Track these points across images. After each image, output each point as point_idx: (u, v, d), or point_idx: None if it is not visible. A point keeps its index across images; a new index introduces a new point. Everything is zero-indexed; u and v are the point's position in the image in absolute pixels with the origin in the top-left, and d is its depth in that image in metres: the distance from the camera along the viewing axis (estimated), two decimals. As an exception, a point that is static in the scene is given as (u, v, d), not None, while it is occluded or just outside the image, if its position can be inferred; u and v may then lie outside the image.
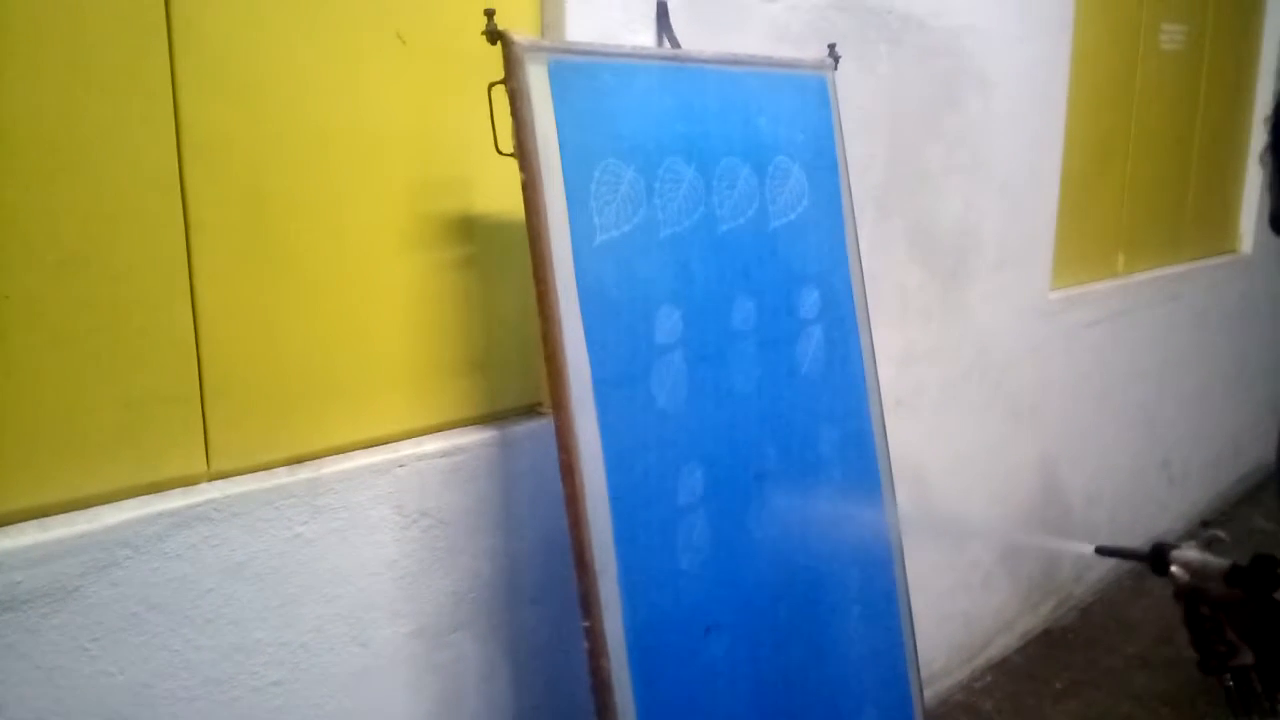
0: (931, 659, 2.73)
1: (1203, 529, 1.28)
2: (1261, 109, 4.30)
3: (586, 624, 1.44)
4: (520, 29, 1.46)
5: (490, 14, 1.40)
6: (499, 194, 1.63)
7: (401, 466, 1.53)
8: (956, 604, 2.87)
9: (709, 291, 1.64)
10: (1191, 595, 1.23)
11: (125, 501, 1.30)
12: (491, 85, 1.44)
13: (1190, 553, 1.25)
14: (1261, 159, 1.26)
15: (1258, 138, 4.30)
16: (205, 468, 1.38)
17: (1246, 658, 1.20)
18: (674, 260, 1.59)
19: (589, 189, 1.47)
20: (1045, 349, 3.09)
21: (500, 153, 1.46)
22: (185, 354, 1.35)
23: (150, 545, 1.28)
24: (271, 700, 1.42)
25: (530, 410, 1.76)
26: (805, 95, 1.86)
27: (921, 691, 2.07)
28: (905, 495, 2.11)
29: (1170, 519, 3.99)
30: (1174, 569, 1.24)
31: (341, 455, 1.51)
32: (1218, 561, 1.22)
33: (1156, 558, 1.27)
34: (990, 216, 2.76)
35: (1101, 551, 1.40)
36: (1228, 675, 1.21)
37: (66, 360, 1.25)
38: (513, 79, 1.40)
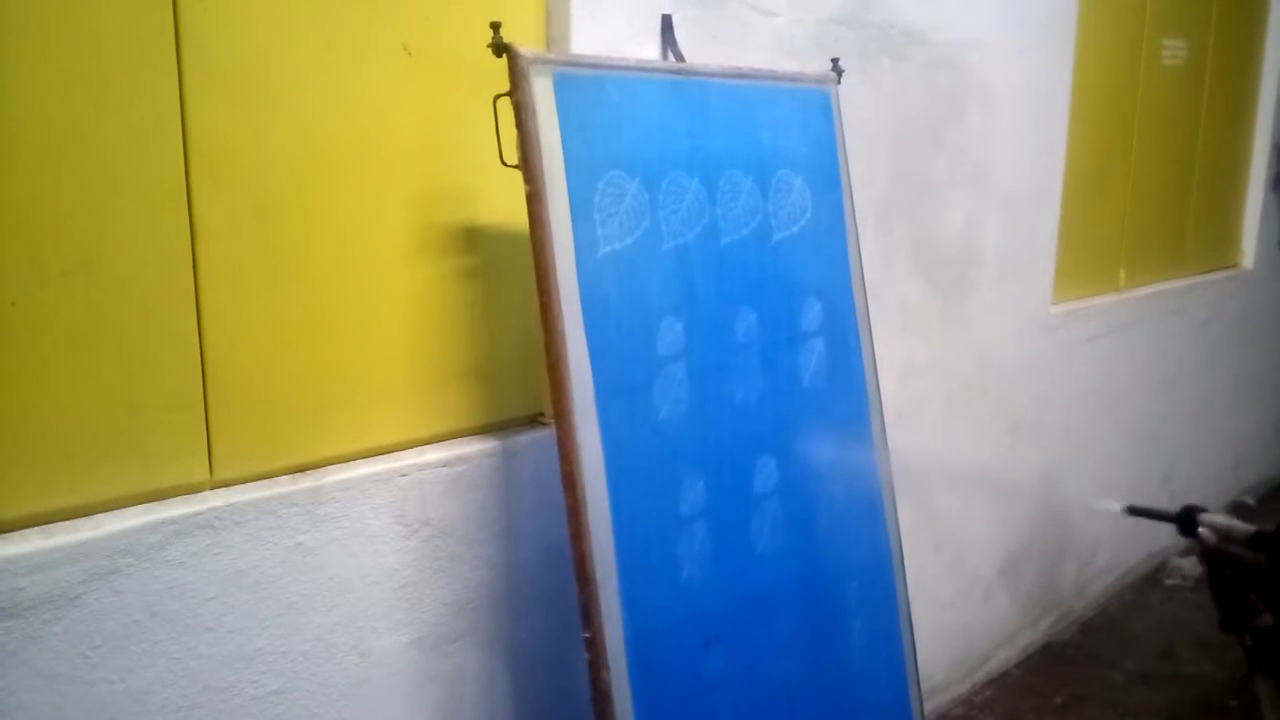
0: (931, 672, 2.72)
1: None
2: (1264, 123, 4.31)
3: (587, 635, 1.44)
4: (526, 42, 1.47)
5: (496, 27, 1.41)
6: (503, 205, 1.64)
7: (403, 476, 1.54)
8: (957, 617, 2.87)
9: (711, 303, 1.65)
10: (1217, 557, 1.30)
11: (128, 509, 1.30)
12: (497, 97, 1.45)
13: (1218, 517, 1.33)
14: (1276, 186, 1.35)
15: (1260, 153, 4.31)
16: (208, 476, 1.39)
17: (1266, 620, 1.26)
18: (677, 272, 1.59)
19: (593, 201, 1.48)
20: (1046, 363, 3.10)
21: (505, 164, 1.47)
22: (189, 362, 1.35)
23: (152, 553, 1.28)
24: (271, 709, 1.42)
25: (532, 420, 1.76)
26: (809, 109, 1.87)
27: (922, 705, 2.06)
28: (906, 506, 2.11)
29: (1171, 533, 3.98)
30: (1201, 530, 1.33)
31: (344, 464, 1.51)
32: (1244, 526, 1.29)
33: (1185, 519, 1.35)
34: (992, 230, 2.77)
35: (1132, 511, 1.50)
36: (1247, 635, 1.27)
37: (71, 367, 1.25)
38: (518, 91, 1.41)
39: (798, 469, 1.79)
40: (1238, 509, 1.34)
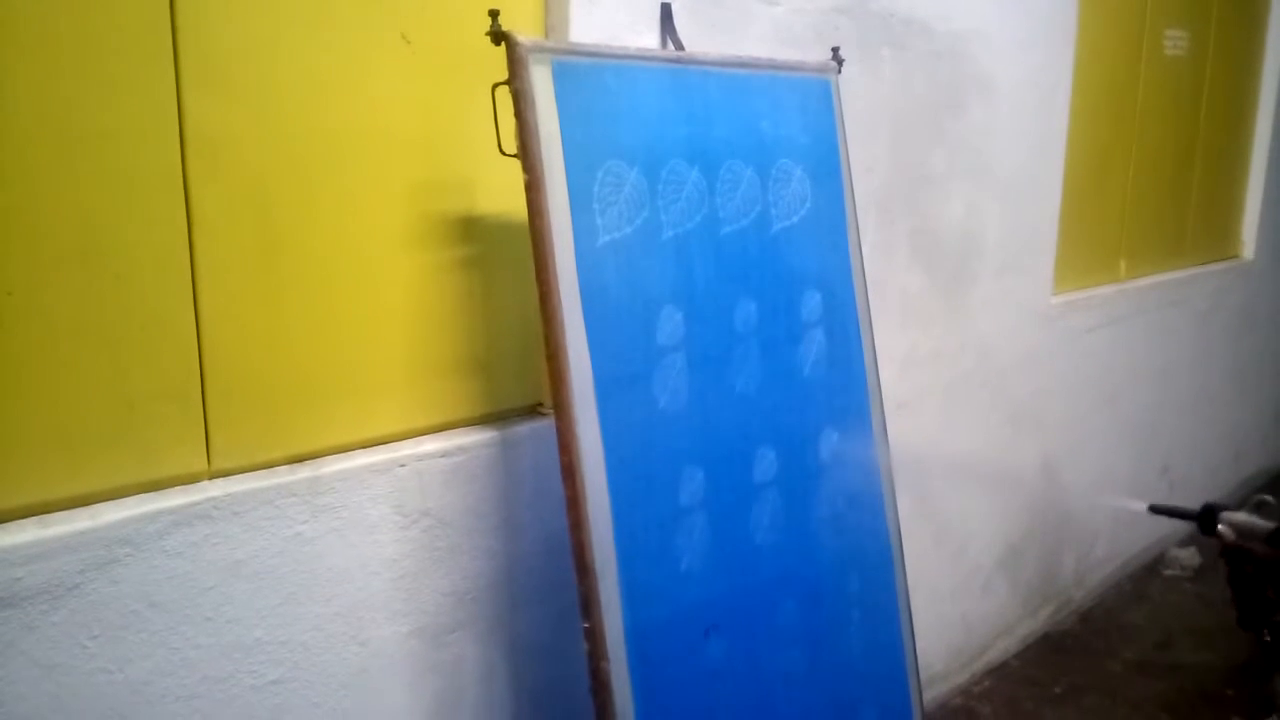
0: (930, 662, 2.73)
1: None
2: (1265, 114, 4.30)
3: (586, 625, 1.44)
4: (524, 30, 1.46)
5: (494, 15, 1.40)
6: (502, 195, 1.63)
7: (402, 466, 1.53)
8: (956, 607, 2.87)
9: (711, 293, 1.64)
10: (1236, 554, 1.33)
11: (126, 499, 1.30)
12: (495, 86, 1.44)
13: (1238, 515, 1.36)
14: None
15: (1261, 143, 4.30)
16: (206, 466, 1.38)
17: None
18: (676, 262, 1.59)
19: (592, 190, 1.47)
20: (1046, 353, 3.09)
21: (503, 153, 1.46)
22: (187, 352, 1.35)
23: (150, 543, 1.28)
24: (270, 699, 1.42)
25: (532, 410, 1.76)
26: (809, 98, 1.86)
27: (921, 695, 2.07)
28: (906, 496, 2.11)
29: (1170, 524, 3.98)
30: (1221, 528, 1.36)
31: (342, 454, 1.51)
32: (1264, 524, 1.32)
33: (1206, 517, 1.37)
34: (992, 220, 2.76)
35: (1155, 510, 1.53)
36: (1265, 630, 1.29)
37: (68, 357, 1.25)
38: (516, 80, 1.40)
39: (797, 459, 1.79)
40: (1258, 507, 1.36)
